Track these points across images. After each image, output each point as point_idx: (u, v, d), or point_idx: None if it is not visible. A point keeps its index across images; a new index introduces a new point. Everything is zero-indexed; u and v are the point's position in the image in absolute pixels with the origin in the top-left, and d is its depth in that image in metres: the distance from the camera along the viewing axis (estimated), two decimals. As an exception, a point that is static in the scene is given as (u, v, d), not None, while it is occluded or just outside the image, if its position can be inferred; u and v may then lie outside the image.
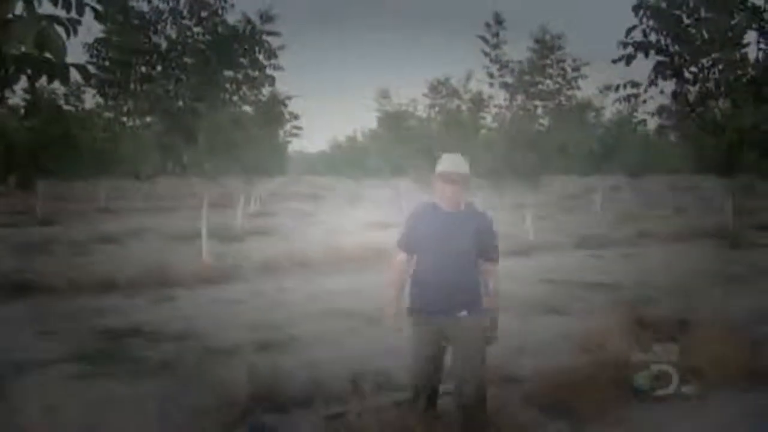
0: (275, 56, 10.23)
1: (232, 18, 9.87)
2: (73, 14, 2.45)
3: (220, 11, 9.72)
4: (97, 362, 5.53)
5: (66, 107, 18.22)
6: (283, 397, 4.37)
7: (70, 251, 12.69)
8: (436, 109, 17.30)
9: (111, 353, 5.82)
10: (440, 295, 3.52)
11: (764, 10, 5.76)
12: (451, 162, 3.60)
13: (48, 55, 2.27)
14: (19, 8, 2.30)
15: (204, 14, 9.61)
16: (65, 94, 18.04)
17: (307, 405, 4.28)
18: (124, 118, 10.34)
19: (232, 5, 9.78)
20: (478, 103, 16.16)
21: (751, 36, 5.90)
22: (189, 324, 6.80)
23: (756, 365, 4.78)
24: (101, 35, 9.18)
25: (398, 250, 3.75)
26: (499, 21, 13.09)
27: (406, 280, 3.70)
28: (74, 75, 2.46)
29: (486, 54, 13.29)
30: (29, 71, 2.28)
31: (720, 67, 5.99)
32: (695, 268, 9.98)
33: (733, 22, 5.83)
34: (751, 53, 5.95)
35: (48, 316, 7.30)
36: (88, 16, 2.63)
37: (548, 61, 13.31)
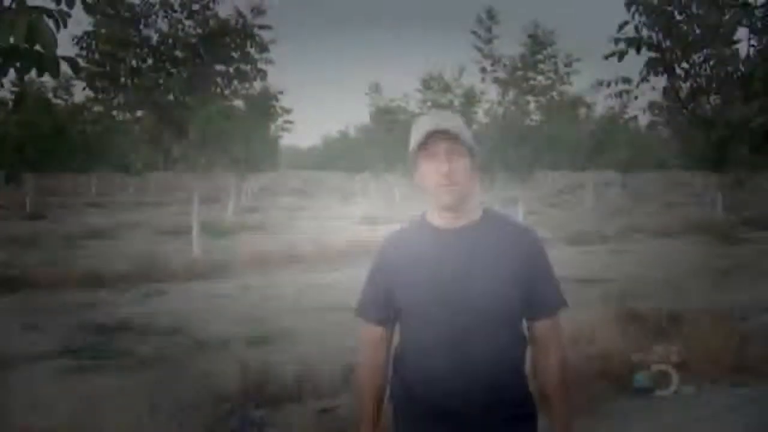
0: (267, 50, 10.21)
1: (223, 11, 9.85)
2: (63, 6, 2.41)
3: (211, 4, 9.69)
4: (85, 357, 5.51)
5: (55, 100, 18.11)
6: (274, 392, 4.36)
7: (59, 245, 12.61)
8: (428, 104, 17.32)
9: (100, 348, 5.80)
10: (450, 395, 1.76)
11: (755, 7, 5.79)
12: (434, 118, 1.85)
13: (38, 47, 2.24)
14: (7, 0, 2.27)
15: (195, 7, 9.58)
16: (54, 88, 17.93)
17: (298, 399, 4.28)
18: (114, 112, 10.28)
19: (224, -2, 9.77)
20: (470, 98, 16.19)
21: (742, 33, 5.94)
22: (179, 318, 6.77)
23: (745, 358, 4.83)
24: (91, 28, 9.11)
25: (363, 322, 1.98)
26: (491, 16, 13.10)
27: (385, 377, 1.95)
28: (64, 68, 2.43)
29: (478, 49, 13.30)
30: (18, 64, 2.25)
31: (711, 63, 6.02)
32: (685, 263, 10.05)
33: (724, 19, 5.86)
34: (742, 50, 5.99)
35: (36, 311, 7.26)
36: (78, 7, 2.60)
37: (540, 57, 13.33)
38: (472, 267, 1.75)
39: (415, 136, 1.78)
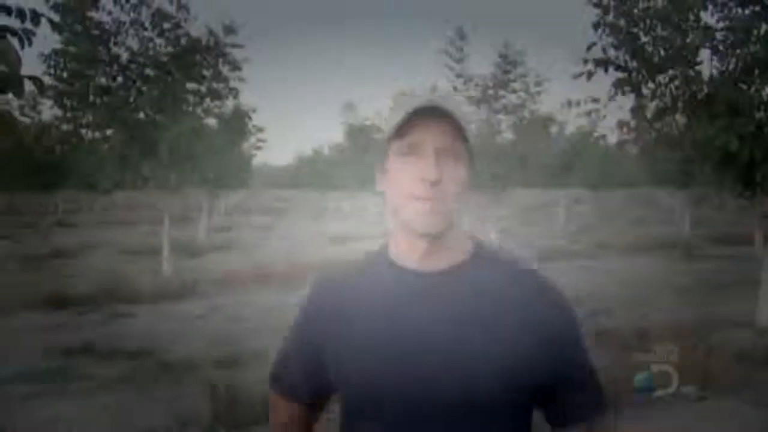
0: (239, 68, 10.21)
1: (195, 30, 9.82)
2: (28, 24, 2.38)
3: (182, 23, 9.65)
4: (49, 381, 5.36)
5: (21, 119, 17.82)
6: (244, 414, 4.29)
7: (23, 266, 12.32)
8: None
9: (66, 371, 5.65)
10: None
11: (716, 29, 5.98)
12: (425, 94, 1.11)
13: (2, 66, 2.20)
14: (-30, 18, 2.24)
15: (166, 25, 9.53)
16: (21, 106, 17.65)
17: (267, 421, 4.22)
18: (83, 130, 10.14)
19: (196, 18, 9.76)
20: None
21: (705, 54, 6.13)
22: (147, 340, 6.64)
23: (711, 372, 4.91)
24: (59, 46, 9.01)
25: (276, 397, 1.35)
26: (462, 36, 13.28)
27: None
28: (29, 86, 2.38)
29: (450, 68, 13.46)
30: (-20, 83, 2.21)
31: (676, 83, 6.19)
32: (653, 279, 10.20)
33: (687, 41, 6.03)
34: (705, 71, 6.18)
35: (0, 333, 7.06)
36: (45, 25, 2.57)
37: (511, 76, 13.54)
38: (461, 337, 1.06)
39: (393, 117, 1.08)
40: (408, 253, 1.13)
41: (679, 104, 6.33)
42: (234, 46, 10.07)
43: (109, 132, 10.09)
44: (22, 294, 8.73)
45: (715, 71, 6.09)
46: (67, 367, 5.77)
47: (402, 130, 1.07)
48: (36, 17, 2.43)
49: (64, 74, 9.20)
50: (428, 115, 1.05)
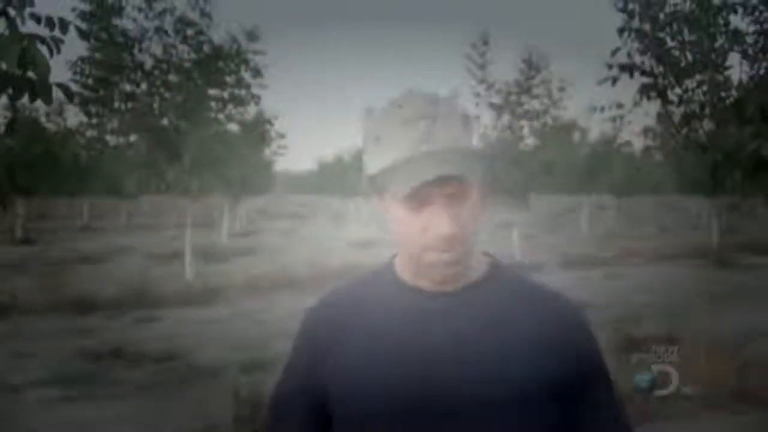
0: (261, 75, 10.28)
1: (217, 37, 9.92)
2: (57, 32, 2.40)
3: (205, 30, 9.75)
4: (77, 384, 5.41)
5: (47, 124, 18.11)
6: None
7: (50, 271, 12.49)
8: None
9: (91, 375, 5.70)
10: None
11: (746, 33, 5.86)
12: (428, 147, 0.93)
13: (31, 74, 2.22)
14: (0, 26, 2.26)
15: (189, 33, 9.63)
16: (47, 112, 17.96)
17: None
18: (108, 136, 10.30)
19: (218, 25, 9.86)
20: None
21: (734, 58, 6.01)
22: (172, 345, 6.68)
23: (743, 384, 4.78)
24: (85, 53, 9.16)
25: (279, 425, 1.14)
26: (485, 41, 13.24)
27: None
28: (56, 93, 2.40)
29: (472, 74, 13.41)
30: (10, 90, 2.22)
31: (704, 88, 6.08)
32: (682, 288, 10.02)
33: (715, 45, 5.93)
34: (734, 76, 6.06)
35: (26, 337, 7.15)
36: (72, 33, 2.59)
37: (534, 82, 13.46)
38: (473, 355, 0.98)
39: (395, 177, 0.95)
40: (420, 274, 1.03)
41: (707, 110, 6.22)
42: (256, 52, 10.15)
43: (133, 138, 10.23)
44: (50, 298, 8.84)
45: (744, 76, 5.97)
46: (95, 371, 5.82)
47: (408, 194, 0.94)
48: (64, 25, 2.46)
49: (90, 81, 9.35)
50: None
